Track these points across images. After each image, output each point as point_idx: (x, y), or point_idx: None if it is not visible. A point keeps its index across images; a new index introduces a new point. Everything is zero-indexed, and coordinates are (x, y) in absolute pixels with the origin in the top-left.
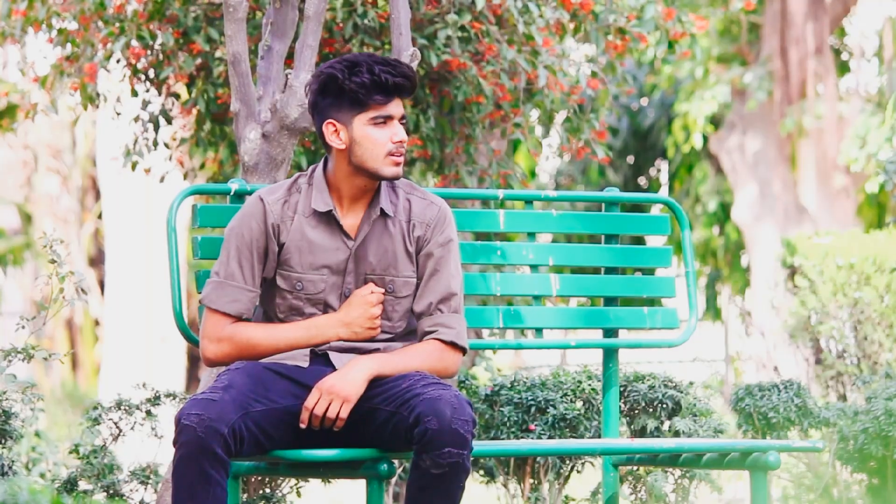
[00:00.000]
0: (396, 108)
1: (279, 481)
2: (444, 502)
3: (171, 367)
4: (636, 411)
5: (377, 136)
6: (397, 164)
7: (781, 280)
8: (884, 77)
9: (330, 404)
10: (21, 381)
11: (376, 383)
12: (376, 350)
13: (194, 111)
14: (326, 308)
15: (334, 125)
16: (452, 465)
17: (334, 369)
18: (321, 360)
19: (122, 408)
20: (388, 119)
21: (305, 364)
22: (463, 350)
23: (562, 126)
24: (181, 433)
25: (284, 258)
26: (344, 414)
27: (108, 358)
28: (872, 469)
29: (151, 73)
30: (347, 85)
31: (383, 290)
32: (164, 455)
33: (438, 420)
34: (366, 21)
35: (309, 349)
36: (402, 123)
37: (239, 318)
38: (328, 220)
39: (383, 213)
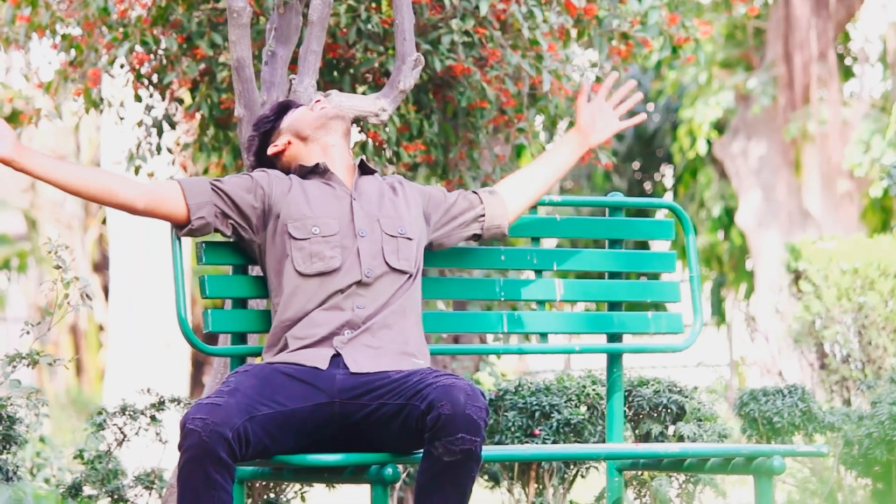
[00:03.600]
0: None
1: (283, 486)
2: (455, 491)
3: (176, 373)
4: (641, 416)
5: (297, 110)
6: (322, 106)
7: (786, 285)
8: (888, 82)
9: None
10: (25, 386)
11: (380, 380)
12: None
13: (198, 116)
14: (344, 251)
15: (273, 145)
16: (465, 452)
17: (347, 370)
18: (336, 362)
19: (127, 413)
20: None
21: (324, 366)
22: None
23: (566, 131)
24: (186, 437)
25: (292, 211)
26: None
27: (113, 363)
28: (877, 474)
29: (155, 79)
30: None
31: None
32: (168, 460)
33: (452, 405)
34: (369, 26)
35: (330, 353)
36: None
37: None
38: (321, 174)
39: (365, 167)
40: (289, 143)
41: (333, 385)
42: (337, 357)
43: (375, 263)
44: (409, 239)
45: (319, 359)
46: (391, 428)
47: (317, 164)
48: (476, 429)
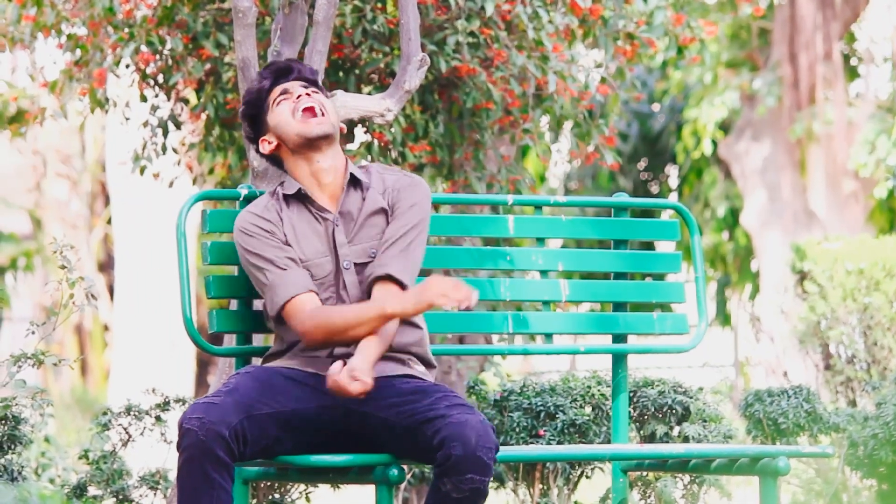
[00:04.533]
0: (290, 85)
1: (288, 487)
2: None
3: (181, 373)
4: (646, 417)
5: (282, 109)
6: (311, 115)
7: (791, 285)
8: (893, 82)
9: (352, 383)
10: (31, 386)
11: (388, 395)
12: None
13: (203, 116)
14: (338, 290)
15: (262, 141)
16: (473, 491)
17: None
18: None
19: (132, 413)
20: (284, 93)
21: (324, 372)
22: (399, 284)
23: (571, 131)
24: (183, 437)
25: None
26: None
27: (118, 363)
28: (882, 475)
29: (160, 79)
30: (249, 96)
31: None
32: (173, 460)
33: (464, 446)
34: (375, 27)
35: (329, 359)
36: (307, 89)
37: (311, 291)
38: (303, 202)
39: (355, 180)
40: (277, 144)
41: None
42: (337, 359)
43: (361, 290)
44: (374, 255)
45: (319, 365)
46: (401, 443)
47: (298, 190)
48: (486, 470)
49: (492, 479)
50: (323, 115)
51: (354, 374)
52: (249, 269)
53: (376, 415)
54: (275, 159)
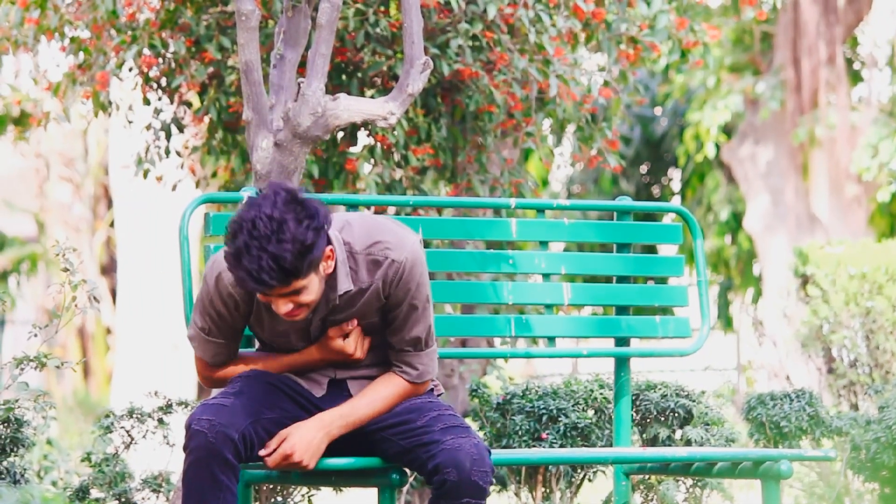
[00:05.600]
0: (272, 292)
1: (291, 489)
2: None
3: (183, 376)
4: (648, 420)
5: (262, 298)
6: (290, 317)
7: (793, 289)
8: None
9: (285, 461)
10: (33, 389)
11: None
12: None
13: (206, 119)
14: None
15: None
16: None
17: (349, 395)
18: (337, 385)
19: (134, 416)
20: (270, 300)
21: (320, 394)
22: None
23: (574, 135)
24: (191, 438)
25: (253, 323)
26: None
27: (120, 366)
28: (885, 478)
29: (163, 82)
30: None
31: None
32: (176, 463)
33: (458, 472)
34: (378, 30)
35: (327, 379)
36: (291, 296)
37: (225, 365)
38: None
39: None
40: None
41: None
42: (335, 382)
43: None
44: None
45: (316, 386)
46: (399, 460)
47: None
48: (481, 493)
49: (493, 484)
50: (300, 311)
51: (291, 457)
52: (199, 299)
53: (373, 432)
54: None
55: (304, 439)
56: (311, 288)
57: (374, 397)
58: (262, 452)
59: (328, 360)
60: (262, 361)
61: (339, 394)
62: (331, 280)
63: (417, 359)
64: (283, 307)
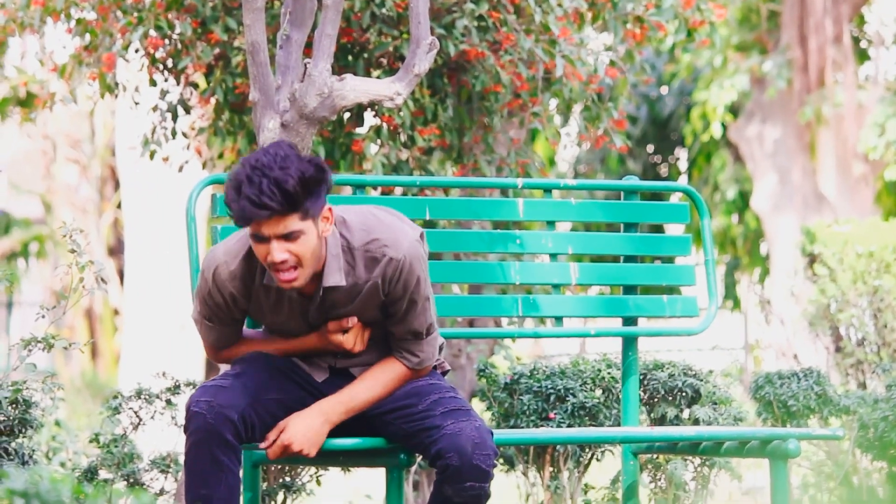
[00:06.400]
0: (269, 228)
1: (299, 470)
2: None
3: (191, 356)
4: (656, 399)
5: (257, 251)
6: (284, 281)
7: (801, 268)
8: None
9: (285, 449)
10: (41, 370)
11: (384, 399)
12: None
13: (212, 101)
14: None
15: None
16: (474, 497)
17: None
18: (339, 372)
19: (142, 397)
20: (262, 238)
21: (321, 379)
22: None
23: (580, 115)
24: (191, 420)
25: (252, 312)
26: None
27: (128, 347)
28: (892, 457)
29: (170, 63)
30: (225, 203)
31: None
32: (183, 444)
33: (460, 457)
34: (384, 10)
35: (328, 365)
36: (287, 239)
37: (230, 347)
38: (281, 290)
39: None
40: None
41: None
42: (336, 370)
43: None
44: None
45: (318, 371)
46: (400, 441)
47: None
48: (485, 476)
49: (496, 466)
50: (299, 269)
51: (290, 447)
52: (199, 287)
53: (375, 416)
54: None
55: (303, 428)
56: (308, 238)
57: (373, 383)
58: (262, 445)
59: (327, 349)
60: (265, 344)
61: (342, 378)
62: (322, 272)
63: (418, 347)
64: (279, 253)
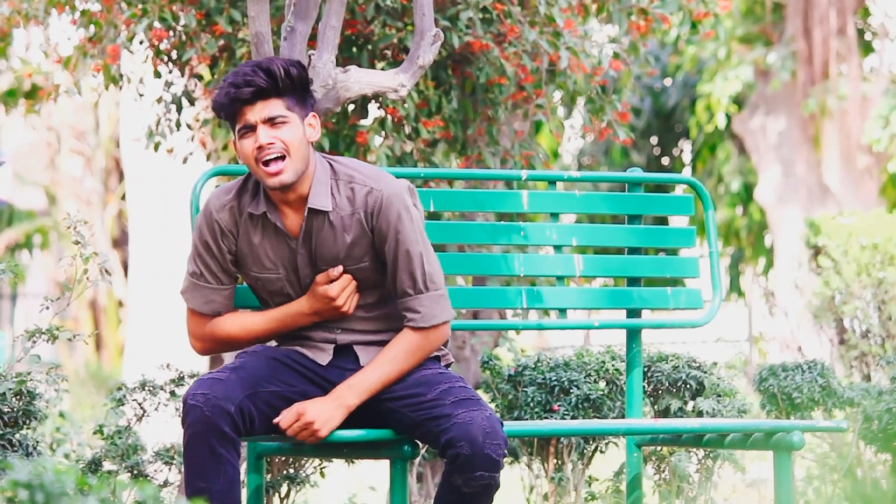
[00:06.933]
0: (255, 114)
1: (303, 462)
2: None
3: None
4: (660, 392)
5: (244, 148)
6: (271, 174)
7: (805, 260)
8: None
9: (302, 431)
10: (45, 361)
11: (393, 386)
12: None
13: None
14: (290, 300)
15: (234, 144)
16: (484, 486)
17: (357, 364)
18: (343, 353)
19: (146, 388)
20: (250, 129)
21: (325, 361)
22: (442, 323)
23: (584, 107)
24: (188, 413)
25: (240, 260)
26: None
27: (132, 339)
28: None
29: (174, 55)
30: (216, 109)
31: (341, 272)
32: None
33: (471, 446)
34: (388, 2)
35: (332, 345)
36: (273, 124)
37: (217, 314)
38: (267, 221)
39: (317, 211)
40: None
41: (343, 379)
42: (341, 348)
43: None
44: (359, 279)
45: (320, 353)
46: (410, 433)
47: (264, 213)
48: (495, 466)
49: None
50: (287, 159)
51: (310, 425)
52: (193, 239)
53: (384, 404)
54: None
55: (320, 410)
56: (294, 128)
57: (381, 360)
58: (277, 420)
59: (317, 310)
60: (252, 316)
61: (345, 361)
62: (307, 199)
63: (418, 302)
64: (265, 137)
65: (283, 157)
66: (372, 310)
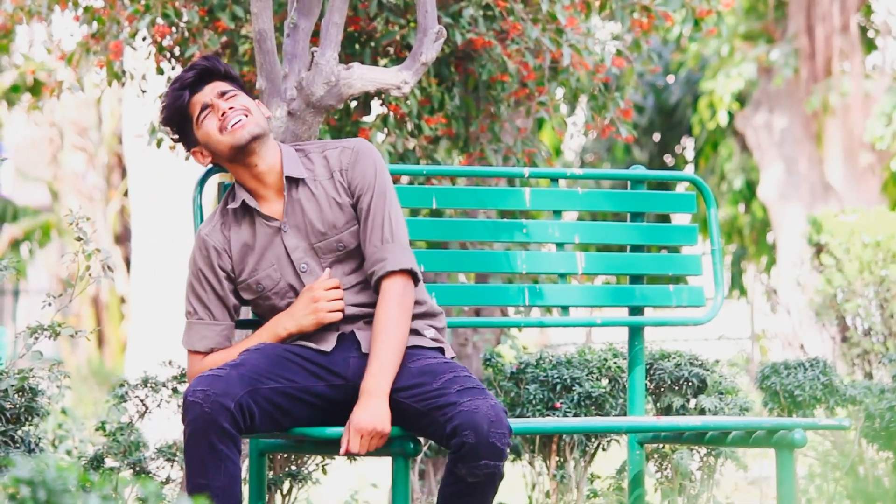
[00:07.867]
0: (206, 94)
1: (305, 459)
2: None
3: None
4: (662, 389)
5: (208, 126)
6: (235, 128)
7: (807, 258)
8: None
9: (371, 441)
10: (47, 358)
11: (397, 376)
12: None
13: None
14: (294, 292)
15: (195, 153)
16: (488, 476)
17: (359, 350)
18: (345, 340)
19: (149, 385)
20: (207, 107)
21: (329, 348)
22: (409, 273)
23: (587, 104)
24: (188, 410)
25: (237, 272)
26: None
27: (134, 335)
28: None
29: (177, 51)
30: (170, 112)
31: (331, 268)
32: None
33: (476, 434)
34: None
35: (335, 334)
36: (225, 98)
37: (211, 351)
38: (250, 213)
39: (293, 179)
40: (210, 156)
41: (348, 369)
42: (344, 336)
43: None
44: (343, 245)
45: (324, 342)
46: (414, 425)
47: (242, 202)
48: (500, 455)
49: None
50: (248, 117)
51: (374, 431)
52: (187, 280)
53: (389, 396)
54: (217, 165)
55: (366, 412)
56: (246, 98)
57: (378, 335)
58: (341, 452)
59: (302, 326)
60: (243, 343)
61: (348, 347)
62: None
63: (384, 251)
64: (225, 104)
65: (245, 115)
66: (360, 289)
